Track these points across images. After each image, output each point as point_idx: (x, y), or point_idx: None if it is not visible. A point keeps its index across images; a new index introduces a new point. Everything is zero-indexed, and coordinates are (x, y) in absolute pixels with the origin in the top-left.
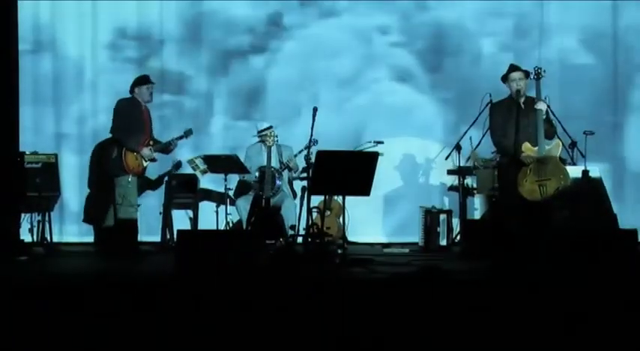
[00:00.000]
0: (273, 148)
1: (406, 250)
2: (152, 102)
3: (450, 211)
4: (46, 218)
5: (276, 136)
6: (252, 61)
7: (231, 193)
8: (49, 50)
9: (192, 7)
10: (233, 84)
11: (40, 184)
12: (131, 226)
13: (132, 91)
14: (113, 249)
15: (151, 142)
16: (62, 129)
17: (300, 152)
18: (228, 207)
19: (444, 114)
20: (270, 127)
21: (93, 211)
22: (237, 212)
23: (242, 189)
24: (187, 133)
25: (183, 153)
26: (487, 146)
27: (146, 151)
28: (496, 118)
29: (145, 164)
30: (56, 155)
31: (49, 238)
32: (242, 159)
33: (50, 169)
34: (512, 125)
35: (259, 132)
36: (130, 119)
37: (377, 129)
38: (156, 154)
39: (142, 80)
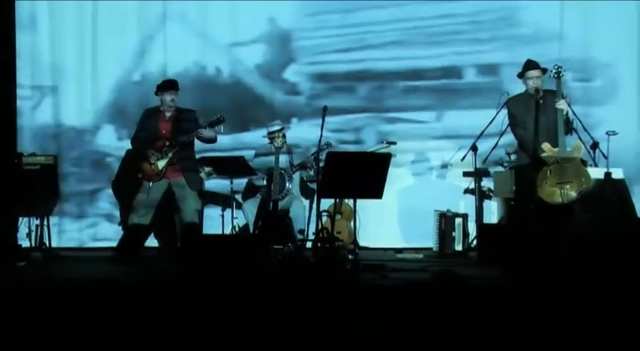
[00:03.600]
0: (282, 149)
1: (420, 256)
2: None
3: (466, 215)
4: (45, 222)
5: (284, 137)
6: None
7: (237, 196)
8: (47, 38)
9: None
10: None
11: (39, 187)
12: (134, 233)
13: (156, 93)
14: (116, 255)
15: (167, 143)
16: (62, 128)
17: (312, 155)
18: (235, 211)
19: (459, 113)
20: (282, 129)
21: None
22: (243, 216)
23: (250, 191)
24: (212, 124)
25: None
26: (501, 151)
27: (149, 151)
28: (514, 111)
29: (160, 167)
30: (55, 157)
31: (47, 243)
32: (251, 159)
33: (49, 172)
34: (531, 122)
35: (270, 134)
36: (144, 127)
37: (389, 129)
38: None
39: (164, 86)
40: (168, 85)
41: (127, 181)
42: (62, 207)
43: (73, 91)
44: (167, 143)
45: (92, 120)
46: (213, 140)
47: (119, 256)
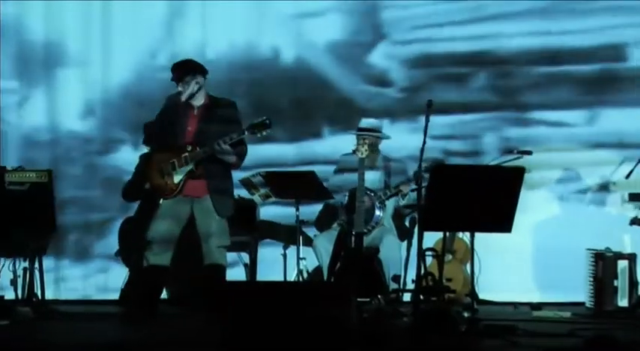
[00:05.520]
0: (379, 161)
1: (567, 314)
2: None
3: (634, 255)
4: (36, 265)
5: (370, 146)
6: None
7: (307, 229)
8: (40, 10)
9: None
10: None
11: (28, 215)
12: (149, 278)
13: (172, 79)
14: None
15: (189, 149)
16: (59, 132)
17: (416, 173)
18: (302, 248)
19: (623, 112)
20: (375, 131)
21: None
22: (315, 256)
23: (327, 218)
24: (254, 128)
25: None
26: None
27: (161, 155)
28: None
29: (175, 181)
30: (50, 172)
31: (39, 295)
32: (325, 178)
33: (42, 193)
34: None
35: (360, 130)
36: (164, 122)
37: (520, 134)
38: None
39: (187, 69)
40: (185, 67)
41: (139, 197)
42: (60, 244)
43: (75, 81)
44: (189, 148)
45: (101, 121)
46: (233, 163)
47: (130, 312)
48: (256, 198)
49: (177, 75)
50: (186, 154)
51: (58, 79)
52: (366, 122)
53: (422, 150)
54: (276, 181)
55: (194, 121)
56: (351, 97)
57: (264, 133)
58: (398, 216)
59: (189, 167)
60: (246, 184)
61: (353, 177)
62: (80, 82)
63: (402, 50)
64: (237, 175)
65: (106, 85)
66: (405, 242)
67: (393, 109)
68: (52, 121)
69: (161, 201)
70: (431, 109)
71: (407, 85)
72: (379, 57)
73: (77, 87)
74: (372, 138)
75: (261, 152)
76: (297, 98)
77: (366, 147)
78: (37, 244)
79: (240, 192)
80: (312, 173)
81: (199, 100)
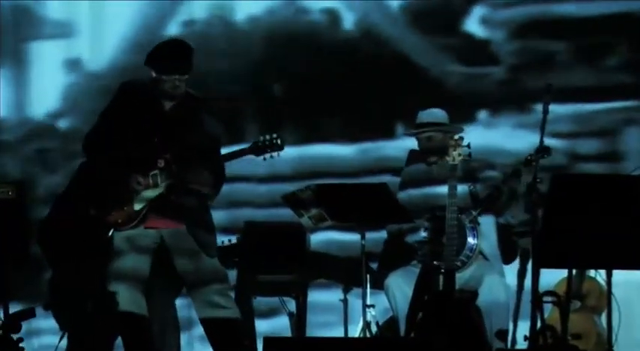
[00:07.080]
0: (460, 171)
1: None
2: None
3: None
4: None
5: (466, 149)
6: None
7: (374, 265)
8: None
9: None
10: None
11: None
12: (132, 329)
13: (146, 64)
14: None
15: (161, 163)
16: (31, 128)
17: (513, 173)
18: (369, 292)
19: None
20: (454, 128)
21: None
22: (388, 301)
23: (397, 253)
24: (258, 147)
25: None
26: None
27: (136, 176)
28: None
29: (137, 206)
30: (20, 185)
31: None
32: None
33: (9, 214)
34: None
35: (420, 126)
36: (119, 121)
37: None
38: None
39: (162, 59)
40: (173, 60)
41: (74, 222)
42: (32, 284)
43: (55, 58)
44: (161, 162)
45: (88, 114)
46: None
47: None
48: (305, 221)
49: (187, 63)
50: (157, 171)
51: (32, 55)
52: (428, 115)
53: (539, 150)
54: (332, 197)
55: (167, 126)
56: (436, 79)
57: (271, 156)
58: (507, 236)
59: (159, 191)
60: (293, 202)
61: (423, 193)
62: (61, 60)
63: (507, 14)
64: (279, 189)
65: (95, 65)
66: (515, 284)
67: (496, 95)
68: (22, 114)
69: (111, 232)
70: (550, 95)
71: (515, 62)
72: (476, 24)
73: (57, 67)
74: (440, 136)
75: (312, 156)
76: (360, 82)
77: (459, 150)
78: (2, 283)
79: (283, 212)
80: (382, 186)
81: (174, 100)
